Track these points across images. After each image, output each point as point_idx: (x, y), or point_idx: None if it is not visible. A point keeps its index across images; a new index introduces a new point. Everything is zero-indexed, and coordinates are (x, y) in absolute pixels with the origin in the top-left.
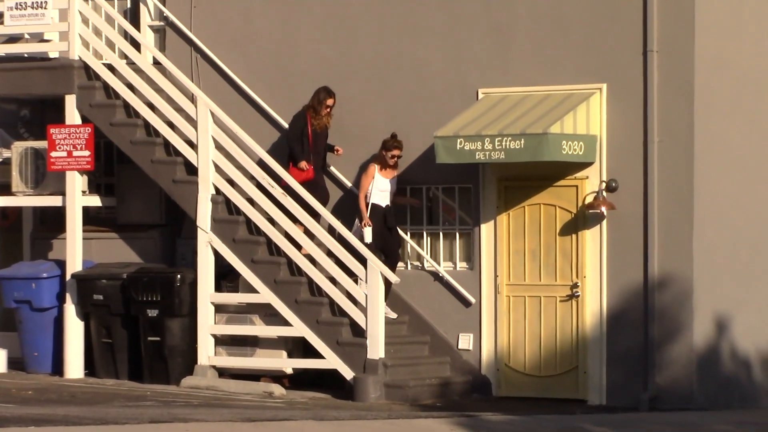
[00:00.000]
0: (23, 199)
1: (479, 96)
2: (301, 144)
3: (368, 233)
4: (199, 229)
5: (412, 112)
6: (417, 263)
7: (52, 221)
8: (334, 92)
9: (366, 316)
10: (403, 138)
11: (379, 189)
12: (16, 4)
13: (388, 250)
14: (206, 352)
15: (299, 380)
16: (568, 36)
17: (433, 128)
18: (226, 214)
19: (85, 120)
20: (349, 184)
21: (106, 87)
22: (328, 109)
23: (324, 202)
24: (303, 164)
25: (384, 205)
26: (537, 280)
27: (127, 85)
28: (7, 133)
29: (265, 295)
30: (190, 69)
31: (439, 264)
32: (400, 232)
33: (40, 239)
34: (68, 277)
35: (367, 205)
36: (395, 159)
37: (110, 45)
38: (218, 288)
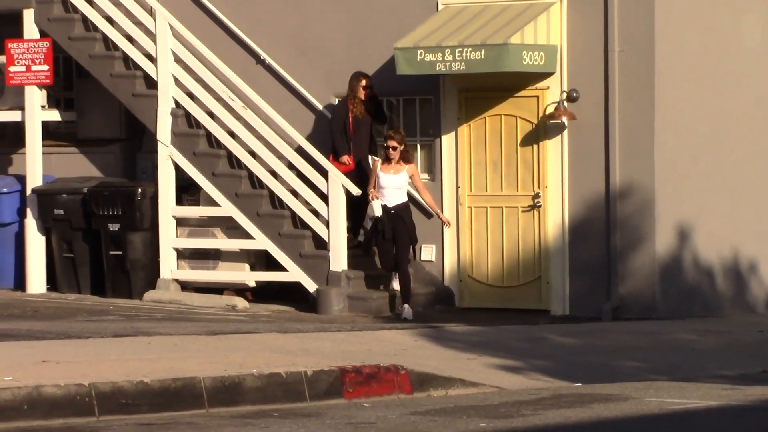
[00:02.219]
0: None
1: (439, 7)
2: (344, 137)
3: (377, 206)
4: (159, 143)
5: (372, 24)
6: None
7: (12, 136)
8: (366, 73)
9: (328, 229)
10: (362, 49)
11: (380, 186)
12: None
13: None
14: (168, 266)
15: (262, 293)
16: None
17: (393, 40)
18: (187, 127)
19: (44, 34)
20: (317, 103)
21: (64, 1)
22: (367, 90)
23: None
24: (345, 158)
25: (386, 206)
26: (499, 190)
27: None
28: None
29: (226, 208)
30: None
31: None
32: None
33: None
34: (29, 191)
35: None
36: (393, 151)
37: None
38: (179, 202)
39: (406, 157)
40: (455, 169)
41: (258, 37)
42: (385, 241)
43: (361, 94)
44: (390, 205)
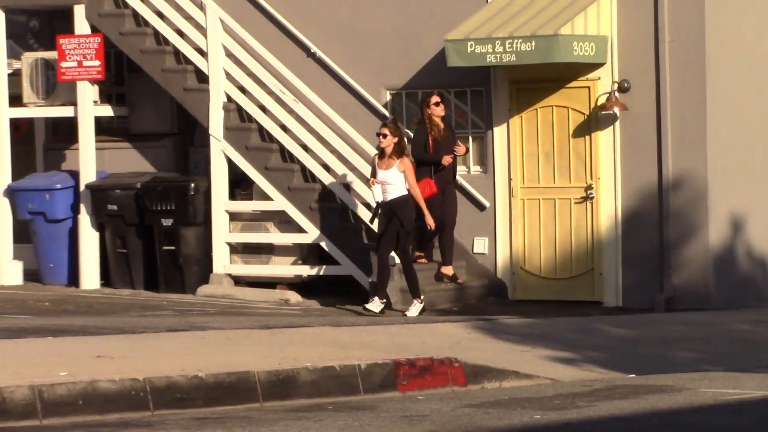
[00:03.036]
0: (34, 110)
1: None
2: (427, 157)
3: (377, 191)
4: (211, 137)
5: (423, 16)
6: None
7: (64, 132)
8: (434, 91)
9: None
10: (413, 42)
11: (377, 179)
12: None
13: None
14: (221, 261)
15: (315, 287)
16: None
17: (444, 32)
18: (239, 121)
19: (95, 30)
20: (368, 96)
21: None
22: (439, 107)
23: (452, 214)
24: (447, 158)
25: (382, 201)
26: (551, 182)
27: None
28: (17, 44)
29: (279, 202)
30: None
31: None
32: None
33: (52, 150)
34: (82, 187)
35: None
36: (383, 139)
37: None
38: (232, 196)
39: (401, 151)
40: (507, 161)
41: (309, 30)
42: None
43: (436, 112)
44: (385, 200)
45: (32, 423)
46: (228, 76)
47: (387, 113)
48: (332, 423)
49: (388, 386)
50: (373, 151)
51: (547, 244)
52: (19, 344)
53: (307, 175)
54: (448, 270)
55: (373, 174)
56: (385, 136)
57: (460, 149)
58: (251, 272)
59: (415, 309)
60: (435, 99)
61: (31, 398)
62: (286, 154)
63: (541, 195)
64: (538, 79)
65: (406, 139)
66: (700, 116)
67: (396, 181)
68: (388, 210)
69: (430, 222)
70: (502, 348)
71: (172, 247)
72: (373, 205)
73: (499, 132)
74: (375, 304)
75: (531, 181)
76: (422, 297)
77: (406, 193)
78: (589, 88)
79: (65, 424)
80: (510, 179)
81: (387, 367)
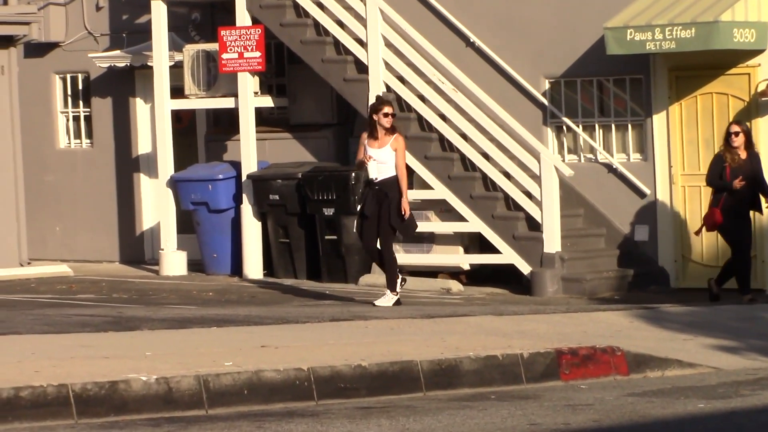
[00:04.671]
0: (196, 101)
1: None
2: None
3: (372, 168)
4: None
5: (581, 4)
6: (590, 156)
7: (226, 123)
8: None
9: (541, 210)
10: (571, 30)
11: (371, 158)
12: None
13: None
14: None
15: (476, 276)
16: None
17: (603, 20)
18: (398, 111)
19: (256, 21)
20: (527, 85)
21: None
22: (739, 136)
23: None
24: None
25: (375, 179)
26: None
27: None
28: (179, 37)
29: (439, 191)
30: None
31: (612, 156)
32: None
33: (213, 141)
34: (244, 178)
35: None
36: (389, 118)
37: None
38: None
39: (393, 128)
40: (667, 148)
41: (467, 19)
42: (367, 219)
43: (735, 142)
44: (370, 175)
45: (198, 413)
46: (387, 66)
47: (546, 102)
48: (495, 412)
49: (551, 375)
50: (532, 140)
51: (709, 231)
52: (185, 334)
53: (467, 164)
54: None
55: (363, 153)
56: (394, 115)
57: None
58: (412, 261)
59: (387, 299)
60: (734, 129)
61: (197, 388)
62: (445, 144)
63: (702, 182)
64: (698, 66)
65: None
66: None
67: (389, 159)
68: (379, 191)
69: (405, 206)
70: (664, 336)
71: (334, 237)
72: (537, 195)
73: (658, 120)
74: (387, 298)
75: (691, 169)
76: (398, 290)
77: (396, 173)
78: (749, 74)
79: (231, 413)
80: (670, 167)
81: (549, 356)
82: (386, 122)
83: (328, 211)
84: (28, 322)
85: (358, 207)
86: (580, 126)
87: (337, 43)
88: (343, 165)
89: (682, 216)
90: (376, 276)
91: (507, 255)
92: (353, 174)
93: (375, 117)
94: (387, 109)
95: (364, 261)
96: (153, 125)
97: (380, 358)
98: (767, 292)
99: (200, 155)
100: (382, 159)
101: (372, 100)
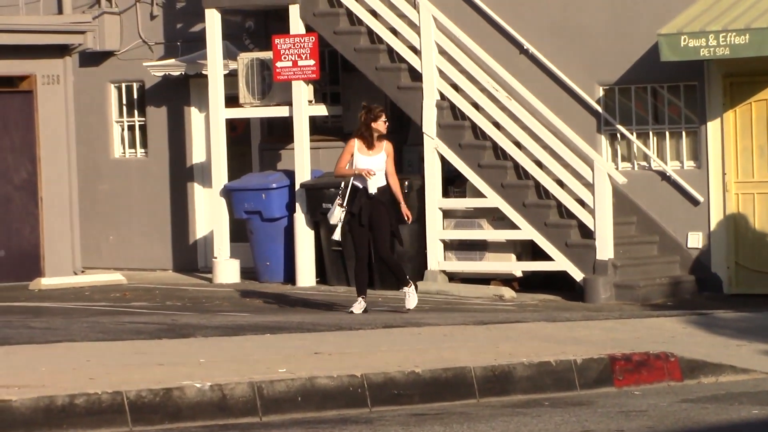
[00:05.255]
0: (250, 110)
1: None
2: None
3: (372, 182)
4: (424, 135)
5: (634, 11)
6: (644, 163)
7: (280, 132)
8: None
9: (594, 218)
10: (625, 37)
11: (360, 167)
12: None
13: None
14: (436, 258)
15: (528, 283)
16: None
17: (656, 26)
18: (452, 119)
19: (309, 29)
20: (581, 92)
21: None
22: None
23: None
24: None
25: (365, 189)
26: (766, 176)
27: None
28: (233, 45)
29: (492, 199)
30: None
31: (666, 163)
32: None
33: (267, 150)
34: (297, 186)
35: (347, 186)
36: (385, 125)
37: None
38: (445, 193)
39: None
40: (721, 156)
41: (519, 26)
42: (361, 228)
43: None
44: (370, 189)
45: (252, 420)
46: (441, 73)
47: (600, 109)
48: (549, 419)
49: (604, 381)
50: (585, 147)
51: (763, 238)
52: (238, 341)
53: (520, 172)
54: None
55: (353, 161)
56: (386, 121)
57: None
58: (465, 269)
59: (412, 297)
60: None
61: (251, 395)
62: (499, 152)
63: (756, 189)
64: (753, 72)
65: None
66: None
67: (383, 166)
68: (374, 200)
69: (407, 212)
70: (718, 342)
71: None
72: (589, 202)
73: (712, 127)
74: (412, 296)
75: (745, 176)
76: (365, 296)
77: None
78: None
79: (284, 420)
80: (724, 174)
81: (603, 362)
82: (385, 128)
83: None
84: (82, 329)
85: (341, 211)
86: (634, 133)
87: (390, 51)
88: (397, 173)
89: (735, 223)
90: (429, 283)
91: (559, 262)
92: (406, 182)
93: (374, 125)
94: (383, 115)
95: (417, 268)
96: (207, 134)
97: (433, 365)
98: None
99: (254, 164)
100: (379, 166)
101: (427, 107)
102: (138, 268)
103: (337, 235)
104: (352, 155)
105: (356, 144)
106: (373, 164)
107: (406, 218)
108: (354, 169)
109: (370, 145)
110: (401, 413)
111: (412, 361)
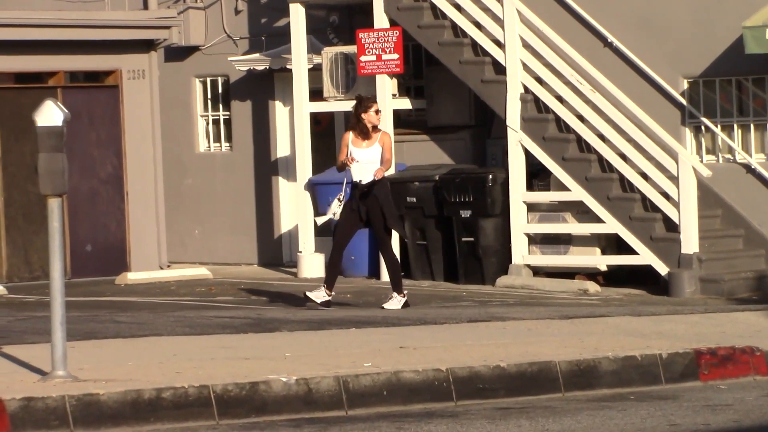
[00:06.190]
0: (334, 104)
1: None
2: None
3: (355, 170)
4: (508, 128)
5: (719, 3)
6: (728, 156)
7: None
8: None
9: (679, 211)
10: (710, 29)
11: (355, 160)
12: None
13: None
14: (520, 251)
15: (613, 277)
16: None
17: (741, 18)
18: (536, 112)
19: (393, 23)
20: (666, 85)
21: None
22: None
23: None
24: None
25: (360, 181)
26: None
27: None
28: (317, 39)
29: (576, 192)
30: None
31: (750, 156)
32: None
33: None
34: None
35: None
36: (379, 116)
37: None
38: (529, 187)
39: (377, 127)
40: None
41: (603, 18)
42: (350, 216)
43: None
44: (364, 181)
45: (338, 413)
46: (525, 67)
47: (684, 102)
48: (635, 412)
49: (689, 375)
50: (670, 140)
51: None
52: (323, 335)
53: (604, 165)
54: None
55: (348, 156)
56: (378, 111)
57: None
58: (549, 263)
59: (395, 302)
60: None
61: (336, 389)
62: (582, 144)
63: None
64: None
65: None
66: None
67: (379, 158)
68: (367, 193)
69: (380, 174)
70: None
71: (471, 239)
72: (674, 196)
73: None
74: (395, 301)
75: None
76: (405, 291)
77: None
78: None
79: (370, 414)
80: None
81: (688, 356)
82: (377, 119)
83: (465, 213)
84: (169, 324)
85: (337, 204)
86: (719, 126)
87: (474, 45)
88: (481, 167)
89: None
90: (513, 277)
91: (644, 256)
92: (490, 176)
93: (364, 116)
94: (377, 106)
95: (501, 262)
96: (291, 128)
97: (519, 359)
98: None
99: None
100: (373, 158)
101: (511, 101)
102: (223, 263)
103: (319, 220)
104: (348, 148)
105: (350, 136)
106: (366, 156)
107: (373, 176)
108: (342, 160)
109: (363, 137)
110: (486, 407)
111: (498, 355)
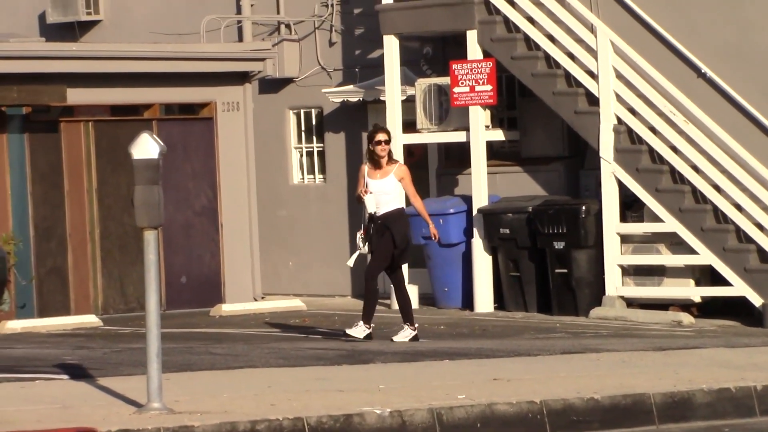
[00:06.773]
0: (428, 135)
1: None
2: None
3: (369, 202)
4: (602, 159)
5: None
6: None
7: (456, 157)
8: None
9: None
10: None
11: (369, 192)
12: None
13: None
14: (614, 283)
15: (707, 308)
16: None
17: None
18: (629, 143)
19: (486, 54)
20: (759, 115)
21: (506, 21)
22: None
23: None
24: None
25: (374, 213)
26: None
27: (527, 18)
28: (411, 71)
29: (670, 223)
30: (589, 0)
31: None
32: None
33: (444, 175)
34: (474, 211)
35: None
36: (384, 146)
37: None
38: (623, 218)
39: (392, 158)
40: None
41: (696, 48)
42: (374, 253)
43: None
44: (369, 209)
45: None
46: (618, 97)
47: None
48: None
49: None
50: (764, 171)
51: None
52: (417, 367)
53: (698, 196)
54: None
55: (363, 185)
56: (387, 142)
57: None
58: (643, 294)
59: (404, 335)
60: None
61: (430, 421)
62: (676, 176)
63: None
64: None
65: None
66: None
67: (393, 190)
68: (381, 225)
69: (434, 231)
70: None
71: (564, 270)
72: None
73: None
74: (359, 329)
75: None
76: (416, 324)
77: (401, 206)
78: None
79: None
80: None
81: None
82: (379, 150)
83: (559, 245)
84: (263, 355)
85: (363, 244)
86: None
87: (567, 76)
88: (574, 198)
89: None
90: (607, 309)
91: (738, 287)
92: (584, 207)
93: (370, 147)
94: (379, 137)
95: (594, 294)
96: None
97: (612, 391)
98: None
99: (432, 189)
100: (385, 190)
101: (604, 132)
102: (317, 294)
103: (350, 262)
104: (364, 179)
105: (366, 169)
106: (379, 187)
107: (433, 237)
108: (357, 192)
109: (376, 167)
110: None
111: (591, 388)
